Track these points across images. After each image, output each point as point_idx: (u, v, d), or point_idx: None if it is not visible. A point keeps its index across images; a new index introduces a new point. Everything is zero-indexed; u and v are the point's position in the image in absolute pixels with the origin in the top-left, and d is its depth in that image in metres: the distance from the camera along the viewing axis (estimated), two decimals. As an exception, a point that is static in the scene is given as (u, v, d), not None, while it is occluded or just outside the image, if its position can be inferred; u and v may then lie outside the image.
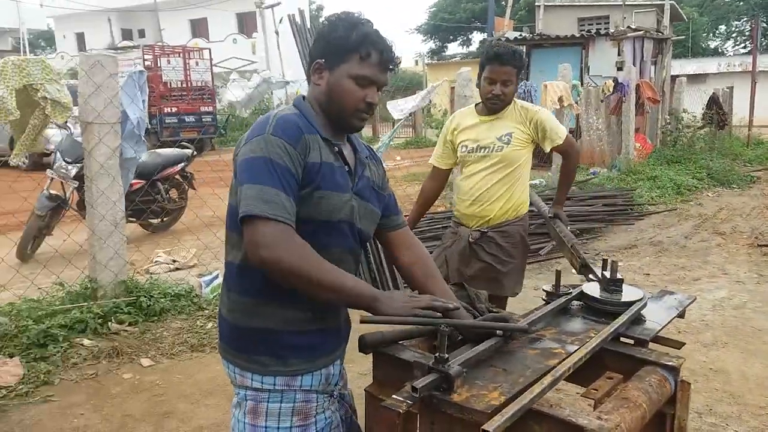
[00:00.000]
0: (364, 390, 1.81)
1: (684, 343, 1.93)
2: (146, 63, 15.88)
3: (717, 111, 14.07)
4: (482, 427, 1.27)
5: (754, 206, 9.10)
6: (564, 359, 1.64)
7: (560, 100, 8.74)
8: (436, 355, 1.47)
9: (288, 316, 1.55)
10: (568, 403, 1.42)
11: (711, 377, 3.63)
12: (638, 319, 1.91)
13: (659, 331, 1.86)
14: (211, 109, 16.70)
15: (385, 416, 1.74)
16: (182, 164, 7.22)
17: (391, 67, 1.59)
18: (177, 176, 7.26)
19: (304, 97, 1.65)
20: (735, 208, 8.95)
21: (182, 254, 6.14)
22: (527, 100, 8.88)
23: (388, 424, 1.77)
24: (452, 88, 8.61)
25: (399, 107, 7.25)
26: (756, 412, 3.22)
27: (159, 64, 16.20)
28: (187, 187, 7.42)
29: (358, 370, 3.39)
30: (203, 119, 16.19)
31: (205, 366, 3.78)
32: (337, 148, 1.59)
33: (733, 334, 4.31)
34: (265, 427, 1.54)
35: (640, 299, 1.94)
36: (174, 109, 15.68)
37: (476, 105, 3.09)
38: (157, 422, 3.13)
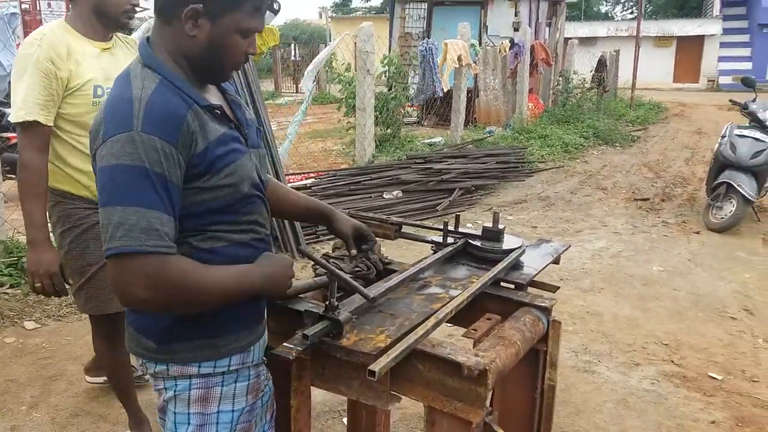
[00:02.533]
0: (259, 341, 1.85)
1: (558, 287, 2.10)
2: (23, 6, 14.51)
3: (602, 75, 14.88)
4: (368, 368, 1.35)
5: (633, 163, 9.81)
6: (447, 303, 1.75)
7: (459, 59, 8.92)
8: (326, 303, 1.52)
9: None
10: (451, 344, 1.52)
11: (587, 319, 3.97)
12: (517, 266, 2.05)
13: (535, 275, 2.01)
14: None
15: (279, 365, 1.80)
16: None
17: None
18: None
19: (148, 39, 1.34)
20: (616, 165, 9.61)
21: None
22: (428, 58, 9.02)
23: (282, 372, 1.83)
24: (355, 42, 8.54)
25: (310, 78, 7.13)
26: (624, 349, 3.57)
27: (38, 8, 14.87)
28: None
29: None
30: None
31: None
32: (219, 111, 1.33)
33: (609, 280, 4.70)
34: (218, 413, 1.40)
35: (519, 247, 2.08)
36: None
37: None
38: (43, 385, 3.01)
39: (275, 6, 1.38)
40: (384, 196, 6.41)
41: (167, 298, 1.22)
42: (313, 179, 6.61)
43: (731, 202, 6.00)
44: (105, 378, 2.87)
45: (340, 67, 9.51)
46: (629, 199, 7.50)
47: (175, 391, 1.38)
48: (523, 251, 2.09)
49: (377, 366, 1.34)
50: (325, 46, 10.94)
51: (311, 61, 7.82)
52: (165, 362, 1.37)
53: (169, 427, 1.43)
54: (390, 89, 9.45)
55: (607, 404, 2.98)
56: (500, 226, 2.14)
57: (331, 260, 2.00)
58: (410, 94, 9.43)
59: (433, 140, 9.90)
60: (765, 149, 6.00)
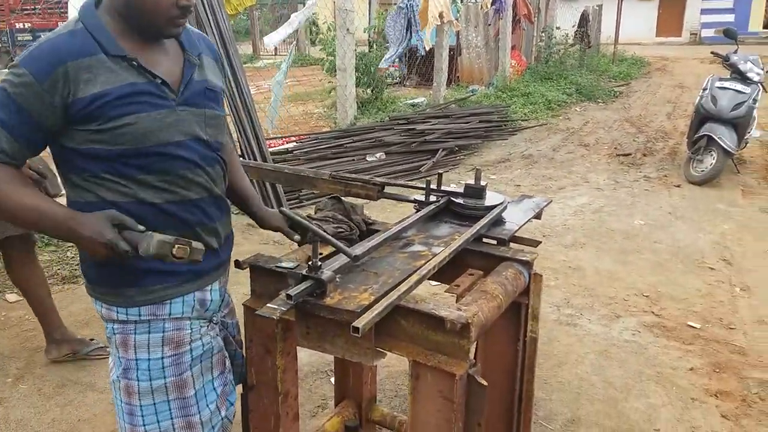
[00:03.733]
0: (242, 304, 1.86)
1: (540, 242, 2.11)
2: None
3: (585, 31, 14.75)
4: (352, 325, 1.36)
5: (615, 119, 9.82)
6: (430, 260, 1.76)
7: (441, 15, 8.78)
8: (309, 263, 1.53)
9: None
10: (434, 300, 1.54)
11: (569, 274, 4.03)
12: (499, 221, 2.06)
13: (517, 230, 2.03)
14: (70, 23, 15.16)
15: (263, 325, 1.82)
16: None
17: None
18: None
19: (98, 3, 1.40)
20: (599, 122, 9.63)
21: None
22: (409, 15, 8.85)
23: (266, 333, 1.85)
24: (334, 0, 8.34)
25: (273, 40, 6.99)
26: (605, 302, 3.63)
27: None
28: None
29: (244, 291, 3.43)
30: (61, 35, 14.69)
31: (79, 297, 3.65)
32: (135, 62, 1.36)
33: (590, 235, 4.76)
34: (136, 359, 1.48)
35: (501, 203, 2.09)
36: (27, 25, 14.09)
37: None
38: (28, 357, 3.02)
39: None
40: (367, 158, 6.38)
41: None
42: (295, 143, 6.55)
43: (711, 155, 6.05)
44: (68, 352, 2.95)
45: (322, 27, 9.34)
46: (611, 154, 7.54)
47: (107, 333, 1.52)
48: (505, 207, 2.11)
49: (361, 322, 1.35)
50: (303, 5, 10.68)
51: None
52: (97, 301, 1.50)
53: (114, 365, 1.54)
54: (371, 49, 9.32)
55: (589, 355, 3.05)
56: (482, 183, 2.15)
57: (314, 222, 2.00)
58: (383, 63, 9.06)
59: (415, 101, 9.82)
60: (745, 101, 6.03)
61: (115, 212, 1.35)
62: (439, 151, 6.78)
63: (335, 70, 8.44)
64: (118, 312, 1.47)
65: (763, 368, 2.95)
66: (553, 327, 3.31)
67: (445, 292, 1.74)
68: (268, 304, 1.49)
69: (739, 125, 6.06)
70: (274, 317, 1.46)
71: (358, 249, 1.67)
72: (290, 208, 5.22)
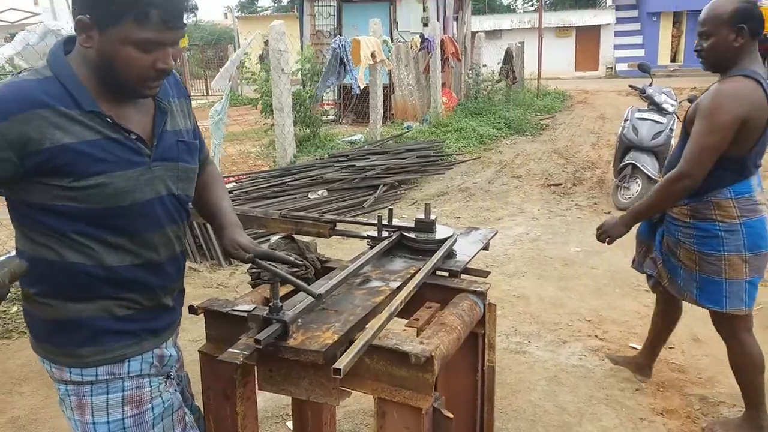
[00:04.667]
0: (198, 351, 1.81)
1: (489, 272, 2.17)
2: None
3: (510, 67, 15.41)
4: (333, 367, 1.35)
5: (544, 151, 10.22)
6: (388, 295, 1.78)
7: (373, 55, 8.98)
8: (270, 304, 1.51)
9: (102, 304, 1.37)
10: (395, 335, 1.55)
11: (514, 302, 4.12)
12: (450, 254, 2.11)
13: (468, 262, 2.08)
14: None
15: (221, 371, 1.78)
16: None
17: (179, 24, 1.29)
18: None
19: (70, 50, 1.33)
20: (529, 154, 9.99)
21: None
22: (342, 56, 9.02)
23: (225, 379, 1.81)
24: (266, 42, 8.39)
25: (224, 78, 6.93)
26: (551, 328, 3.73)
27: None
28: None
29: (189, 338, 3.33)
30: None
31: (14, 353, 3.45)
32: (110, 119, 1.31)
33: (531, 263, 4.90)
34: (93, 423, 1.40)
35: (451, 236, 2.14)
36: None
37: None
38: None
39: (178, 12, 1.28)
40: (309, 196, 6.38)
41: None
42: (234, 183, 6.48)
43: (637, 182, 6.39)
44: None
45: (254, 67, 9.35)
46: (543, 185, 7.82)
47: (60, 395, 1.43)
48: (456, 240, 2.15)
49: (341, 363, 1.35)
50: (233, 46, 10.66)
51: (220, 64, 7.63)
52: (47, 360, 1.41)
53: (73, 427, 1.46)
54: (305, 87, 9.39)
55: (540, 382, 3.11)
56: (432, 217, 2.19)
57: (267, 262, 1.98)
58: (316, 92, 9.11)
59: (353, 138, 9.93)
60: (663, 130, 6.42)
61: None
62: (380, 187, 6.85)
63: (271, 110, 8.45)
64: (71, 373, 1.39)
65: (702, 384, 3.09)
66: (503, 356, 3.36)
67: (405, 326, 1.75)
68: (230, 349, 1.46)
69: (660, 153, 6.43)
70: (237, 362, 1.43)
71: (320, 288, 1.67)
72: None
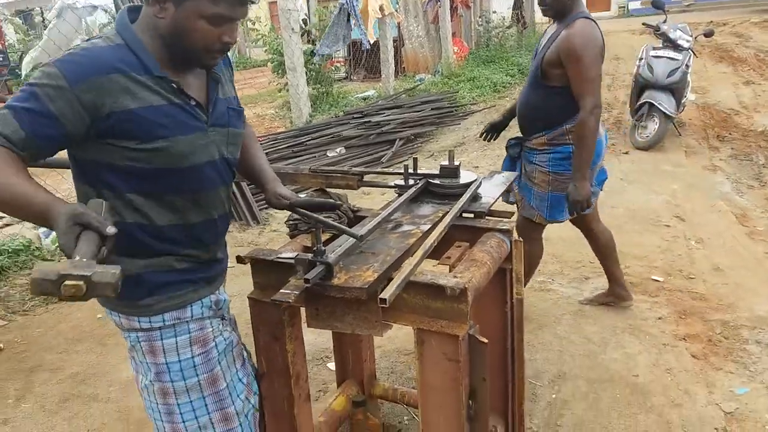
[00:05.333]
0: (248, 297, 1.96)
1: (513, 212, 2.28)
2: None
3: (520, 12, 15.12)
4: (379, 296, 1.49)
5: (559, 95, 10.15)
6: (420, 237, 1.90)
7: (381, 8, 8.91)
8: (314, 248, 1.64)
9: (154, 261, 1.48)
10: (429, 272, 1.68)
11: (536, 245, 4.23)
12: (476, 197, 2.22)
13: (493, 204, 2.19)
14: (-1, 46, 14.65)
15: (270, 314, 1.93)
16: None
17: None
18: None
19: (134, 18, 1.41)
20: (544, 99, 9.92)
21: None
22: (349, 11, 8.96)
23: (274, 321, 1.96)
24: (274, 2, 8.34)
25: None
26: (574, 266, 3.85)
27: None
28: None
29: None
30: (-9, 58, 14.21)
31: (66, 316, 3.66)
32: (175, 85, 1.39)
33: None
34: (167, 363, 1.52)
35: (475, 180, 2.24)
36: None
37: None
38: (26, 378, 3.03)
39: None
40: (327, 154, 6.47)
41: None
42: (254, 146, 6.59)
43: (654, 121, 6.38)
44: None
45: (263, 28, 9.34)
46: (560, 129, 7.81)
47: (131, 342, 1.55)
48: (480, 183, 2.26)
49: (386, 294, 1.48)
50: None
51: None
52: (117, 313, 1.52)
53: (140, 371, 1.57)
54: (314, 46, 9.37)
55: (565, 316, 3.25)
56: (456, 163, 2.29)
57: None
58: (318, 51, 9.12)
59: (366, 94, 9.94)
60: (679, 67, 6.37)
61: (82, 209, 1.15)
62: (397, 141, 6.92)
63: (283, 69, 8.47)
64: (140, 321, 1.51)
65: (723, 310, 3.21)
66: (528, 294, 3.50)
67: (438, 263, 1.88)
68: (281, 290, 1.60)
69: (676, 90, 6.40)
70: (290, 301, 1.57)
71: (360, 231, 1.79)
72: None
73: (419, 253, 1.68)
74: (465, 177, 2.30)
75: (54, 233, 4.24)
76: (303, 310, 1.75)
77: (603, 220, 4.58)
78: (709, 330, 3.04)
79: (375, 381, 2.58)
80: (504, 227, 2.02)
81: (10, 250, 4.22)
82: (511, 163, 3.11)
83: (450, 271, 1.83)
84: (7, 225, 5.27)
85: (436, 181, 2.27)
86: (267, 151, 6.38)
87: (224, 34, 1.37)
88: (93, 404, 2.79)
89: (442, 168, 2.31)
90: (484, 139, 3.27)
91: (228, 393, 1.63)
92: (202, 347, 1.58)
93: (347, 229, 1.69)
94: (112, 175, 1.39)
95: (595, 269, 3.79)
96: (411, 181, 2.32)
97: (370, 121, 7.17)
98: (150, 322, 1.52)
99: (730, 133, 6.79)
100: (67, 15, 8.59)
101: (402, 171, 2.38)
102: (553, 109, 2.77)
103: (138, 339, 1.54)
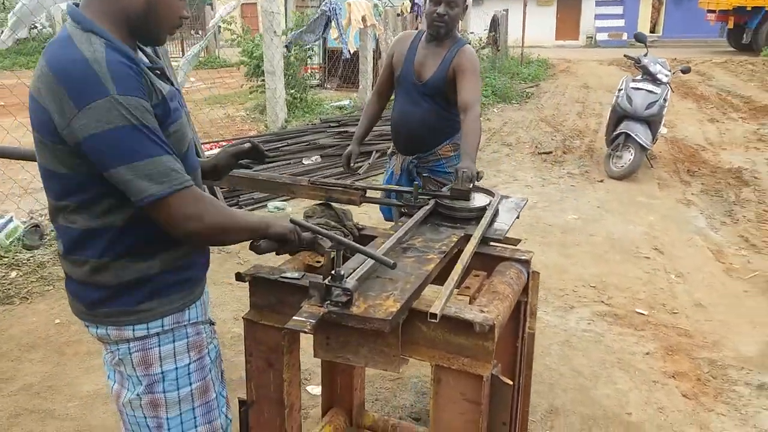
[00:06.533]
0: (243, 318, 1.80)
1: (520, 240, 2.18)
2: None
3: (495, 35, 15.27)
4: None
5: (531, 119, 10.23)
6: (438, 263, 1.77)
7: (363, 19, 8.81)
8: (333, 272, 1.49)
9: (164, 258, 1.41)
10: (454, 303, 1.55)
11: (519, 270, 4.15)
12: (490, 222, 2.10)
13: (508, 230, 2.08)
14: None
15: (266, 338, 1.77)
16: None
17: None
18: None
19: (77, 4, 1.33)
20: (517, 122, 9.99)
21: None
22: (332, 19, 8.84)
23: (269, 346, 1.80)
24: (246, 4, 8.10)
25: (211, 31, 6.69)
26: (558, 294, 3.79)
27: None
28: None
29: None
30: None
31: (18, 319, 3.38)
32: (159, 72, 1.38)
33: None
34: (162, 373, 1.43)
35: (489, 204, 2.13)
36: None
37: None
38: (-27, 387, 2.76)
39: None
40: (303, 162, 6.30)
41: (213, 224, 1.31)
42: (227, 148, 6.36)
43: (629, 151, 6.44)
44: None
45: (238, 29, 9.12)
46: (533, 153, 7.84)
47: (119, 356, 1.43)
48: (497, 211, 2.15)
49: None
50: (211, 6, 10.36)
51: (196, 25, 7.38)
52: (103, 325, 1.41)
53: (126, 386, 1.45)
54: (289, 50, 9.18)
55: (553, 346, 3.17)
56: (468, 185, 2.18)
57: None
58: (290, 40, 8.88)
59: (341, 103, 9.80)
60: (657, 100, 6.46)
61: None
62: (374, 153, 6.78)
63: (256, 73, 8.26)
64: (135, 329, 1.41)
65: (710, 348, 3.18)
66: (514, 322, 3.41)
67: (457, 293, 1.75)
68: (295, 317, 1.44)
69: (653, 123, 6.49)
70: (306, 330, 1.41)
71: (376, 252, 1.65)
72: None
73: (455, 274, 1.57)
74: (478, 200, 2.19)
75: (11, 227, 3.92)
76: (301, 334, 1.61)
77: (583, 247, 4.57)
78: (697, 368, 3.01)
79: (364, 411, 2.42)
80: (523, 257, 1.91)
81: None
82: (409, 181, 2.99)
83: (470, 302, 1.71)
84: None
85: (447, 203, 2.15)
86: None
87: (183, 8, 1.40)
88: (49, 421, 2.54)
89: (453, 189, 2.20)
90: (350, 171, 3.28)
91: (216, 404, 1.56)
92: (197, 353, 1.50)
93: (379, 255, 1.55)
94: None
95: (579, 298, 3.74)
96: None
97: (347, 132, 7.02)
98: (147, 328, 1.42)
99: (699, 169, 6.92)
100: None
101: (406, 189, 2.27)
102: (452, 123, 2.89)
103: (129, 351, 1.43)
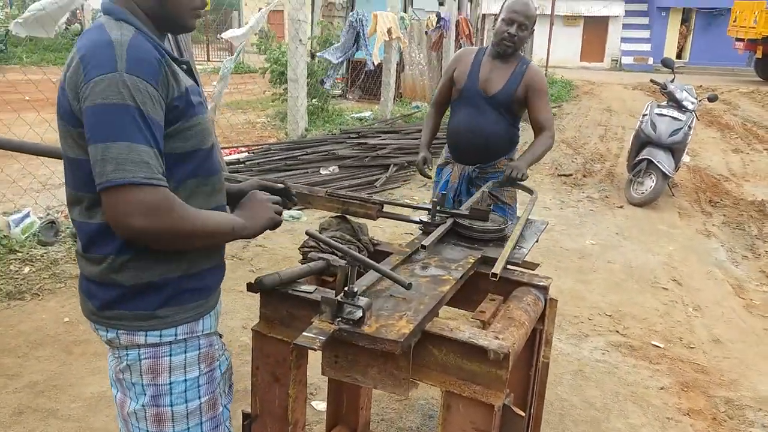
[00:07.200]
0: (252, 329, 1.76)
1: (538, 264, 2.12)
2: None
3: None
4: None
5: (552, 140, 10.15)
6: (453, 284, 1.72)
7: (389, 31, 8.83)
8: (346, 289, 1.45)
9: (188, 260, 1.37)
10: (468, 328, 1.50)
11: (533, 293, 4.08)
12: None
13: (527, 254, 2.03)
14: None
15: (273, 352, 1.73)
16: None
17: None
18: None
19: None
20: (537, 142, 9.90)
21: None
22: (358, 30, 8.84)
23: (277, 360, 1.76)
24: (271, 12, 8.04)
25: (234, 34, 6.71)
26: (572, 321, 3.71)
27: None
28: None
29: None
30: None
31: (28, 315, 3.37)
32: (185, 66, 1.39)
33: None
34: (170, 383, 1.37)
35: (505, 226, 2.09)
36: None
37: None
38: (-22, 382, 2.75)
39: None
40: (321, 171, 6.29)
41: (163, 227, 1.21)
42: (246, 153, 6.37)
43: (651, 178, 6.35)
44: None
45: (264, 36, 9.16)
46: (553, 174, 7.76)
47: (127, 361, 1.37)
48: (522, 235, 2.10)
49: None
50: (238, 12, 10.38)
51: (219, 30, 7.41)
52: (114, 328, 1.35)
53: (130, 395, 1.39)
54: (314, 58, 9.21)
55: (565, 376, 3.09)
56: (487, 205, 2.14)
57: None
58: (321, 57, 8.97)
59: (362, 114, 9.81)
60: (681, 128, 6.37)
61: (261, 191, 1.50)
62: (391, 166, 6.77)
63: (280, 80, 8.27)
64: (147, 335, 1.35)
65: (727, 387, 3.09)
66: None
67: (472, 317, 1.70)
68: (305, 333, 1.40)
69: (676, 150, 6.40)
70: (315, 347, 1.37)
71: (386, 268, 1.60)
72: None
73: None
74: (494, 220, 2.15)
75: (27, 222, 3.92)
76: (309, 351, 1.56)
77: (600, 274, 4.49)
78: (713, 407, 2.91)
79: (369, 431, 2.37)
80: (541, 283, 1.86)
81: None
82: (468, 191, 3.10)
83: (484, 327, 1.66)
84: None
85: (466, 222, 2.11)
86: (259, 161, 6.16)
87: None
88: (51, 421, 2.52)
89: (473, 210, 2.15)
90: (427, 176, 3.27)
91: (222, 419, 1.51)
92: (208, 366, 1.45)
93: (394, 274, 1.51)
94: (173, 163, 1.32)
95: (594, 326, 3.66)
96: (424, 216, 2.17)
97: (366, 143, 7.01)
98: (160, 336, 1.36)
99: (721, 199, 6.80)
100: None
101: (429, 206, 2.23)
102: (514, 135, 3.09)
103: (139, 357, 1.37)
